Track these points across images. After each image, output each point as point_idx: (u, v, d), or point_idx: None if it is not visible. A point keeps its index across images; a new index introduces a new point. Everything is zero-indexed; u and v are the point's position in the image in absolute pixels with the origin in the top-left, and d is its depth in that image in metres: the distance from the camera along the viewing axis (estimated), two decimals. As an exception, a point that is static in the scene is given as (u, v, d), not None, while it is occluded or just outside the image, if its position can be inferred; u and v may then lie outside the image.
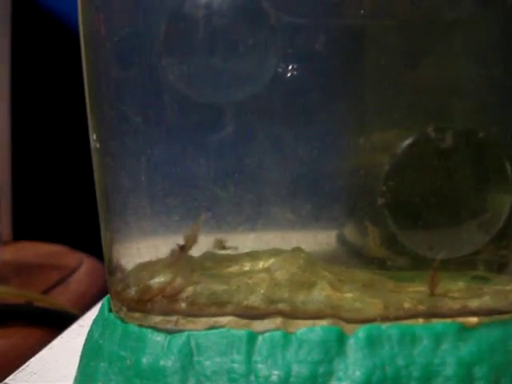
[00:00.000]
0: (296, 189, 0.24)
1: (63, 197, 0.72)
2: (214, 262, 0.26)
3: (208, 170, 0.22)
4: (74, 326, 0.37)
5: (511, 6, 0.21)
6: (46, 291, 0.50)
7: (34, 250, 0.59)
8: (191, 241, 0.24)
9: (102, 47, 0.23)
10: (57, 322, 0.44)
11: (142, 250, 0.25)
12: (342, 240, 0.26)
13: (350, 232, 0.26)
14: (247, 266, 0.27)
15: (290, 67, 0.22)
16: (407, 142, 0.22)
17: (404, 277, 0.26)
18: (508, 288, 0.25)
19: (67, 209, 0.72)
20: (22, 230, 0.69)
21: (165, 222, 0.24)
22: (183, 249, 0.24)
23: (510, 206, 0.23)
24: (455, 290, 0.25)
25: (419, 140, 0.22)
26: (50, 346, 0.35)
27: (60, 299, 0.49)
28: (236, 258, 0.26)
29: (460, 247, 0.24)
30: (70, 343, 0.35)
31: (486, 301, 0.24)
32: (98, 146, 0.25)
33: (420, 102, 0.22)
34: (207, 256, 0.26)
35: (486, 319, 0.24)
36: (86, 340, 0.27)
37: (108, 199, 0.25)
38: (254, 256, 0.26)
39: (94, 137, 0.25)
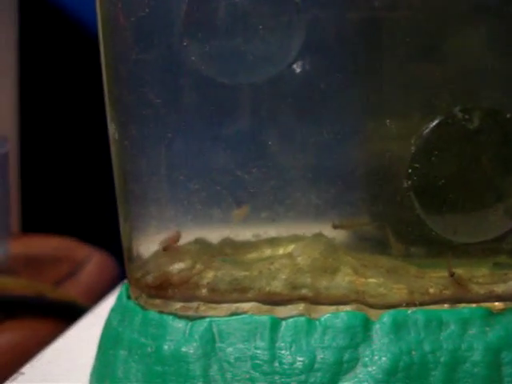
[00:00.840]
0: (318, 175, 0.23)
1: (72, 190, 0.72)
2: (234, 249, 0.26)
3: (229, 155, 0.22)
4: (88, 317, 0.37)
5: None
6: (56, 284, 0.49)
7: (43, 243, 0.58)
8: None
9: (121, 29, 0.23)
10: (68, 314, 0.44)
11: (162, 236, 0.24)
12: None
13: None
14: (267, 252, 0.26)
15: (314, 50, 0.21)
16: (434, 123, 0.22)
17: (426, 264, 0.25)
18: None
19: (76, 201, 0.71)
20: (31, 223, 0.68)
21: (185, 209, 0.24)
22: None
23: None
24: (479, 275, 0.25)
25: (446, 121, 0.22)
26: (64, 336, 0.34)
27: (70, 292, 0.49)
28: (256, 245, 0.26)
29: (484, 231, 0.23)
30: (84, 333, 0.34)
31: (511, 286, 0.24)
32: (116, 135, 0.24)
33: (446, 83, 0.22)
34: (226, 242, 0.26)
35: (511, 304, 0.24)
36: (104, 328, 0.26)
37: (128, 187, 0.24)
38: (273, 242, 0.26)
39: (113, 126, 0.24)
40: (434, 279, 0.24)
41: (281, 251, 0.26)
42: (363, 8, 0.21)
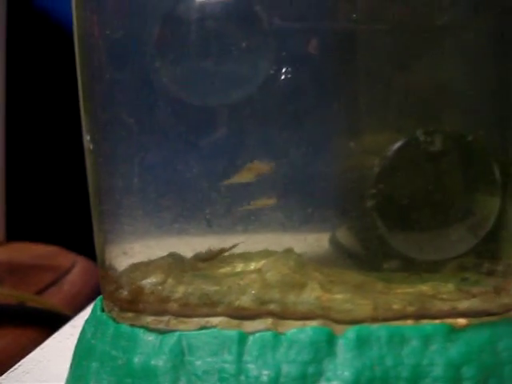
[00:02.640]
0: (287, 191, 0.24)
1: (57, 198, 0.72)
2: (207, 263, 0.27)
3: (200, 171, 0.23)
4: (67, 327, 0.37)
5: (499, 12, 0.21)
6: (40, 292, 0.50)
7: (27, 251, 0.59)
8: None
9: (96, 49, 0.23)
10: (49, 323, 0.44)
11: (134, 250, 0.25)
12: (334, 242, 0.26)
13: (342, 234, 0.26)
14: (239, 267, 0.27)
15: (283, 70, 0.22)
16: (397, 144, 0.22)
17: (395, 278, 0.26)
18: (497, 290, 0.25)
19: (61, 210, 0.72)
20: (16, 231, 0.69)
21: (157, 223, 0.25)
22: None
23: (498, 209, 0.23)
24: (445, 291, 0.25)
25: (409, 143, 0.22)
26: (42, 346, 0.35)
27: (53, 300, 0.50)
28: (228, 259, 0.27)
29: (449, 249, 0.24)
30: (62, 343, 0.35)
31: (474, 302, 0.25)
32: (91, 147, 0.25)
33: (410, 105, 0.23)
34: (199, 256, 0.26)
35: (475, 321, 0.24)
36: (79, 340, 0.27)
37: (101, 200, 0.25)
38: (246, 257, 0.27)
39: (88, 138, 0.25)
40: (399, 295, 0.25)
41: (252, 266, 0.26)
42: (327, 32, 0.22)
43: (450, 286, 0.26)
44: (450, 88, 0.23)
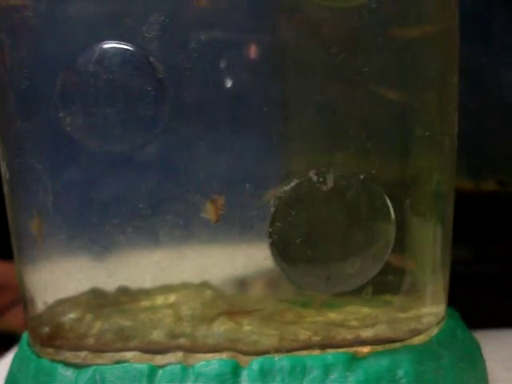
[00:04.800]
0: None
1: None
2: (129, 297, 0.28)
3: (106, 216, 0.24)
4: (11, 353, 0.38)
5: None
6: (0, 312, 0.51)
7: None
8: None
9: (6, 98, 0.24)
10: (7, 344, 0.45)
11: (50, 287, 0.26)
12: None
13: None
14: (160, 300, 0.28)
15: (179, 117, 0.23)
16: (290, 185, 0.23)
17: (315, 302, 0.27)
18: (404, 315, 0.26)
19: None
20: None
21: (76, 263, 0.26)
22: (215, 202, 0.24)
23: (394, 236, 0.24)
24: (352, 318, 0.26)
25: (302, 183, 0.23)
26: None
27: (14, 320, 0.50)
28: (149, 293, 0.28)
29: (351, 280, 0.25)
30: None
31: (379, 330, 0.26)
32: (7, 176, 0.26)
33: (303, 150, 0.24)
34: (122, 290, 0.27)
35: (379, 348, 0.25)
36: (8, 373, 0.28)
37: (18, 242, 0.26)
38: (166, 290, 0.28)
39: (4, 166, 0.26)
40: (306, 325, 0.26)
41: (172, 299, 0.27)
42: (219, 81, 0.23)
43: (365, 311, 0.27)
44: (340, 130, 0.24)
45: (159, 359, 0.25)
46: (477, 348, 0.27)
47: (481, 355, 0.28)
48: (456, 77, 0.26)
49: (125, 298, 0.28)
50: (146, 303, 0.28)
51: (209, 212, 0.24)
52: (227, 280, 0.26)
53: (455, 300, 0.33)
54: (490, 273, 0.36)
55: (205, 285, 0.26)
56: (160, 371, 0.24)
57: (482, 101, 0.36)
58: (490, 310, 0.35)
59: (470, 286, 0.35)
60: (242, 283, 0.27)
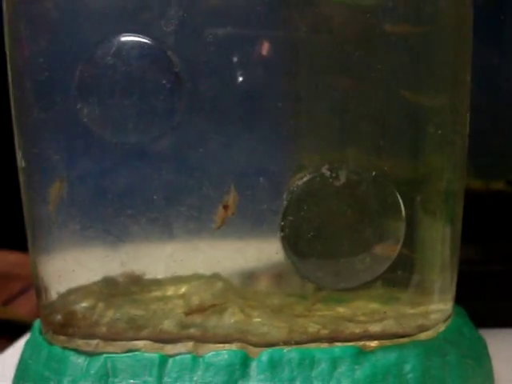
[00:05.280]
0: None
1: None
2: (140, 287, 0.28)
3: (119, 206, 0.24)
4: (19, 342, 0.38)
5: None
6: (8, 301, 0.51)
7: None
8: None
9: (24, 88, 0.25)
10: (15, 333, 0.46)
11: (63, 276, 0.26)
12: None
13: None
14: (171, 291, 0.28)
15: (195, 111, 0.23)
16: (303, 180, 0.24)
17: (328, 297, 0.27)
18: (412, 311, 0.27)
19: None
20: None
21: (88, 252, 0.26)
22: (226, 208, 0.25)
23: (404, 233, 0.25)
24: (360, 313, 0.27)
25: (314, 178, 0.24)
26: (1, 356, 0.36)
27: (21, 309, 0.51)
28: (160, 283, 0.28)
29: (360, 276, 0.25)
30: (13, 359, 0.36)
31: (387, 325, 0.26)
32: (23, 163, 0.26)
33: (316, 144, 0.24)
34: (133, 280, 0.28)
35: (387, 342, 0.26)
36: (19, 360, 0.28)
37: (33, 231, 0.26)
38: (178, 281, 0.28)
39: (20, 154, 0.26)
40: (316, 318, 0.26)
41: (183, 290, 0.28)
42: (236, 78, 0.23)
43: (373, 306, 0.27)
44: (353, 127, 0.24)
45: (170, 349, 0.25)
46: (483, 346, 0.28)
47: (487, 354, 0.28)
48: (469, 76, 0.26)
49: (136, 287, 0.28)
50: (157, 293, 0.28)
51: (218, 215, 0.24)
52: (238, 273, 0.27)
53: (463, 298, 0.34)
54: (497, 272, 0.36)
55: (216, 276, 0.27)
56: (170, 360, 0.25)
57: (493, 100, 0.36)
58: (497, 309, 0.35)
59: (477, 285, 0.35)
60: (252, 276, 0.27)
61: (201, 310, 0.25)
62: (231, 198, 0.23)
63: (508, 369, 0.31)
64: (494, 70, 0.35)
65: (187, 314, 0.25)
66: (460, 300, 0.30)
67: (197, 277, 0.27)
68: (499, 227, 0.36)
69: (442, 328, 0.27)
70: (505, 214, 0.36)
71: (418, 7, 0.25)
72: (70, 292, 0.27)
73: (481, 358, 0.27)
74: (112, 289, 0.27)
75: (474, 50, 0.27)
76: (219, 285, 0.27)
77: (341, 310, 0.27)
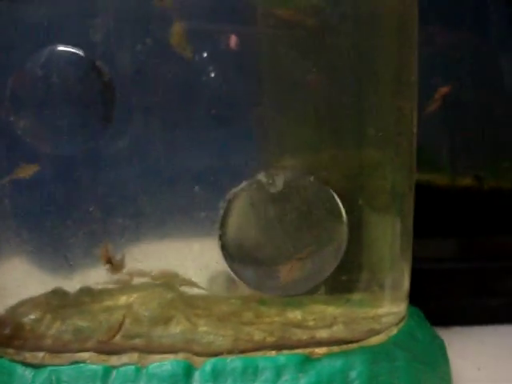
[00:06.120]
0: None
1: None
2: (91, 297, 0.28)
3: (55, 219, 0.24)
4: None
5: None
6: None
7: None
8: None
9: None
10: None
11: (8, 290, 0.26)
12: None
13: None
14: (122, 300, 0.28)
15: (126, 120, 0.23)
16: (240, 186, 0.23)
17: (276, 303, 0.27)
18: (362, 315, 0.26)
19: None
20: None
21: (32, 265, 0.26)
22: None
23: (346, 237, 0.24)
24: (311, 318, 0.26)
25: (251, 185, 0.23)
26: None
27: None
28: (112, 293, 0.28)
29: (303, 282, 0.25)
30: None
31: (335, 330, 0.26)
32: None
33: (254, 147, 0.24)
34: (84, 291, 0.28)
35: (335, 349, 0.25)
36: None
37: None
38: (129, 290, 0.28)
39: None
40: (263, 325, 0.26)
41: (131, 300, 0.28)
42: (164, 83, 0.23)
43: (325, 311, 0.27)
44: (291, 130, 0.24)
45: (115, 360, 0.25)
46: (439, 348, 0.27)
47: (443, 355, 0.27)
48: (414, 76, 0.26)
49: (88, 298, 0.28)
50: (108, 303, 0.28)
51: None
52: (186, 280, 0.27)
53: (430, 296, 0.33)
54: (466, 269, 0.35)
55: (166, 285, 0.26)
56: (114, 372, 0.24)
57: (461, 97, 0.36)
58: (466, 306, 0.35)
59: (445, 282, 0.35)
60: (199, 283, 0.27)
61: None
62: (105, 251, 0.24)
63: (472, 368, 0.31)
64: (456, 64, 0.35)
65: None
66: (427, 298, 0.30)
67: (150, 286, 0.27)
68: (467, 223, 0.36)
69: (394, 331, 0.26)
70: (473, 209, 0.36)
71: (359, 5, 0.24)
72: (20, 304, 0.27)
73: (435, 361, 0.27)
74: (62, 300, 0.27)
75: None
76: (168, 294, 0.26)
77: (291, 315, 0.26)
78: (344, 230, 0.24)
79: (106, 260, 0.24)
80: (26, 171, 0.23)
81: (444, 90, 0.33)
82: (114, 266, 0.24)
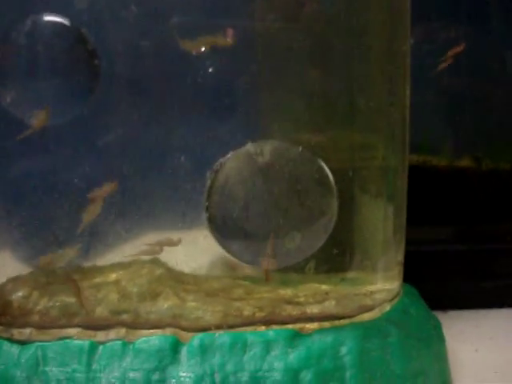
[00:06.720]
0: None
1: None
2: (81, 274, 0.27)
3: (40, 194, 0.24)
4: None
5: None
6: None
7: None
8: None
9: None
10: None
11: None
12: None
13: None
14: (112, 277, 0.28)
15: (112, 89, 0.23)
16: (226, 157, 0.23)
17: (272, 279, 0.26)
18: (354, 292, 0.26)
19: None
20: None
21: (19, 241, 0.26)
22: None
23: (337, 209, 0.24)
24: (302, 294, 0.26)
25: (238, 155, 0.23)
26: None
27: None
28: (101, 270, 0.27)
29: (292, 255, 0.24)
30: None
31: (327, 306, 0.25)
32: None
33: (243, 117, 0.23)
34: (74, 268, 0.27)
35: (326, 324, 0.25)
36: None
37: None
38: (118, 267, 0.27)
39: None
40: (253, 301, 0.25)
41: (120, 276, 0.27)
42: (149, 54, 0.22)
43: (317, 287, 0.26)
44: (280, 100, 0.23)
45: (102, 335, 0.25)
46: (433, 327, 0.27)
47: (438, 334, 0.27)
48: (407, 46, 0.25)
49: (77, 275, 0.27)
50: (98, 280, 0.27)
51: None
52: (178, 258, 0.26)
53: (427, 279, 0.33)
54: (465, 252, 0.35)
55: (155, 262, 0.26)
56: (101, 347, 0.24)
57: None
58: (463, 290, 0.34)
59: (445, 265, 0.34)
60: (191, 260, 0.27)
61: None
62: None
63: (470, 350, 0.30)
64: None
65: None
66: (425, 281, 0.29)
67: (140, 263, 0.27)
68: (466, 205, 0.35)
69: (387, 308, 0.26)
70: (473, 192, 0.35)
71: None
72: (8, 281, 0.27)
73: (429, 339, 0.26)
74: (50, 277, 0.27)
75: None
76: (157, 270, 0.26)
77: (282, 291, 0.26)
78: (334, 203, 0.24)
79: None
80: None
81: (458, 48, 0.32)
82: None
